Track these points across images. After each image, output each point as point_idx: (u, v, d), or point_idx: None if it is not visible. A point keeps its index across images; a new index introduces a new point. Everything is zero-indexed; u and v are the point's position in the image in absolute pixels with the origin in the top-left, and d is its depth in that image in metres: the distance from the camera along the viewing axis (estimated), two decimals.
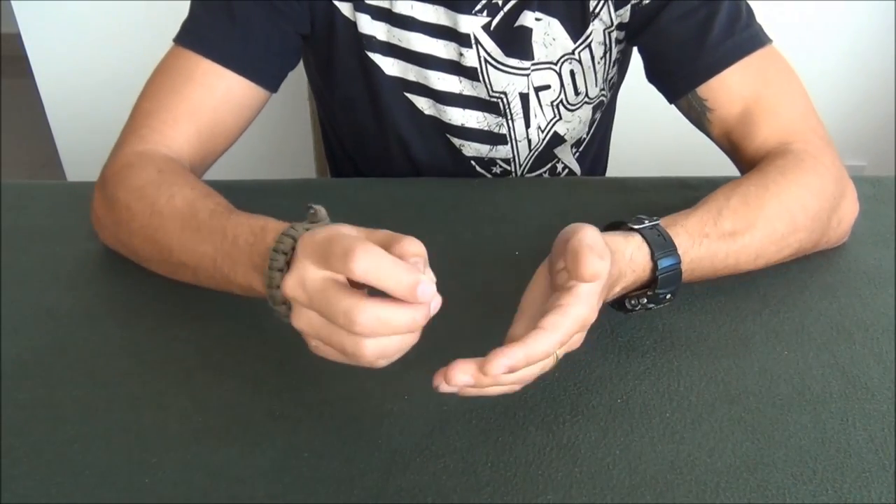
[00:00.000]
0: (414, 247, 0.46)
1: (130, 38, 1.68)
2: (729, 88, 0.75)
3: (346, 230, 0.46)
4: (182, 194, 0.64)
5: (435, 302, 0.44)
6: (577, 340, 0.52)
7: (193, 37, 0.75)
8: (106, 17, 1.69)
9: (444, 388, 0.47)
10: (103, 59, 1.74)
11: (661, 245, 0.59)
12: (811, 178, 0.68)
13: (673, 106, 0.81)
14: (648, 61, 0.82)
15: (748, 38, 0.75)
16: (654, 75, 0.82)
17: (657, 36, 0.78)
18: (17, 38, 1.71)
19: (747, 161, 0.75)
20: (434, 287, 0.44)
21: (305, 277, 0.45)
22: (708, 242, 0.62)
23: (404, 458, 0.52)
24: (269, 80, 0.78)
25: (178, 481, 0.50)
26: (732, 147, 0.78)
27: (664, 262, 0.58)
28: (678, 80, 0.78)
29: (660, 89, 0.81)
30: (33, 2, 1.67)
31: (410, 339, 0.46)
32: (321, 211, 0.53)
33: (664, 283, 0.58)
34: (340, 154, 1.00)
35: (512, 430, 0.54)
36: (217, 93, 0.74)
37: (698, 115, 0.78)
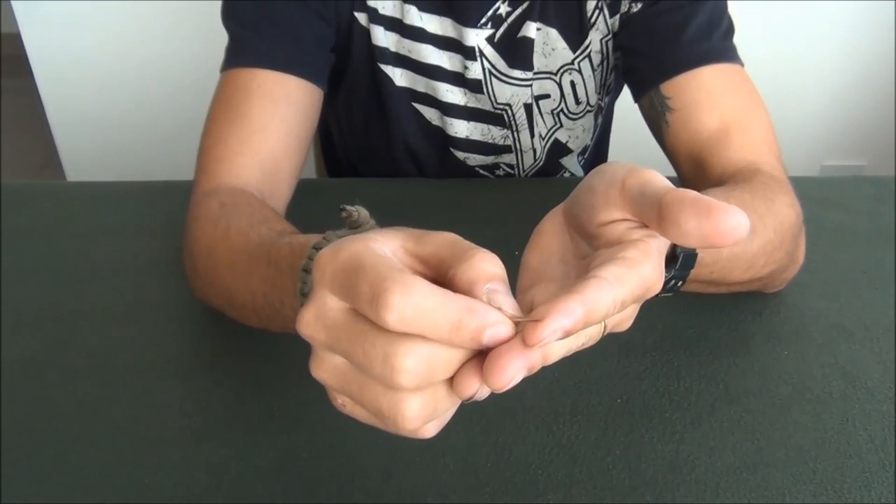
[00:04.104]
0: (489, 265, 0.31)
1: (130, 38, 1.68)
2: (697, 91, 0.72)
3: (384, 244, 0.33)
4: (236, 226, 0.57)
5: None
6: (628, 316, 0.39)
7: (242, 55, 0.72)
8: (106, 17, 1.69)
9: (484, 392, 0.32)
10: (103, 59, 1.74)
11: None
12: (788, 198, 0.65)
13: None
14: (623, 56, 0.80)
15: (724, 48, 0.74)
16: (626, 70, 0.80)
17: (635, 31, 0.77)
18: (17, 38, 1.72)
19: (715, 176, 0.70)
20: (509, 328, 0.30)
21: (325, 310, 0.32)
22: None
23: (404, 458, 0.52)
24: (321, 77, 0.75)
25: (178, 481, 0.50)
26: (698, 160, 0.72)
27: None
28: (647, 73, 0.75)
29: (629, 84, 0.80)
30: (33, 2, 1.67)
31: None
32: (361, 213, 0.41)
33: (684, 263, 0.47)
34: (346, 165, 1.00)
35: (512, 430, 0.54)
36: (280, 102, 0.70)
37: (657, 116, 0.75)
